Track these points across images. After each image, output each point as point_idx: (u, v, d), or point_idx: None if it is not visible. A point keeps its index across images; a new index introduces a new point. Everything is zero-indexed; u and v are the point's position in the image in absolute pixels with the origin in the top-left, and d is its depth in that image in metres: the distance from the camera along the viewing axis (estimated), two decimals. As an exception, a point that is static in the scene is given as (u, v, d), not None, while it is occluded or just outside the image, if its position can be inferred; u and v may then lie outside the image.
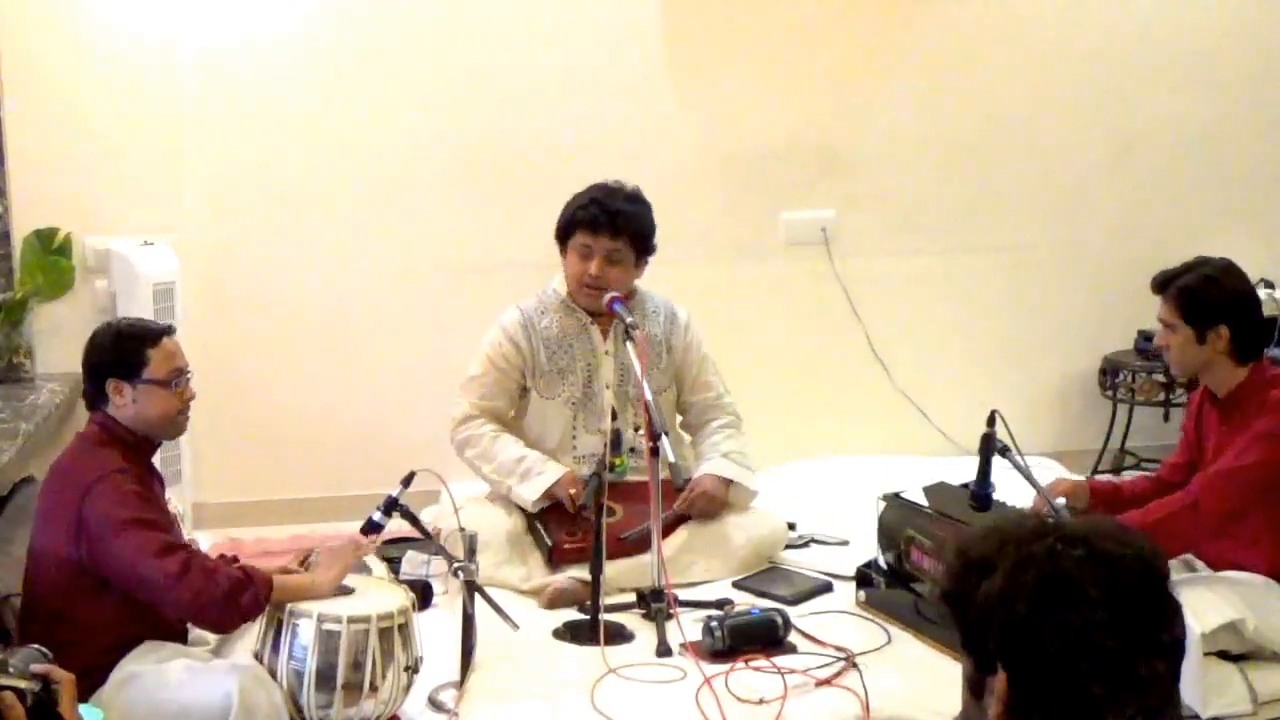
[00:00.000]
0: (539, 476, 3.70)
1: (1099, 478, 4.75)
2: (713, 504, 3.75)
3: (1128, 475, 4.58)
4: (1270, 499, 3.25)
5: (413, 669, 2.89)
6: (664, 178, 4.68)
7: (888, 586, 3.44)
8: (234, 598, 2.83)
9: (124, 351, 2.99)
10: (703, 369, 3.97)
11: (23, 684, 1.93)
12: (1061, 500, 3.38)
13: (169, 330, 3.09)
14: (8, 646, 2.20)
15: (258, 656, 2.87)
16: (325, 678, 2.78)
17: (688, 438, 4.02)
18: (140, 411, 2.99)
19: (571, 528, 3.66)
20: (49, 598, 2.93)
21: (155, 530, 2.88)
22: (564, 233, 3.82)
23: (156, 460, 3.21)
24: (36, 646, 2.06)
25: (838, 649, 3.19)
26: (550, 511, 3.72)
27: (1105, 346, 5.10)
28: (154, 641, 2.92)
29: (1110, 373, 5.02)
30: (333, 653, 2.78)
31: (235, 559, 3.25)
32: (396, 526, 3.23)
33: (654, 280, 4.05)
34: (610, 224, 3.75)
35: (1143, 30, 5.12)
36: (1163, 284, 3.39)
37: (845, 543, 3.95)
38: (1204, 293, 3.33)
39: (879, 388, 4.99)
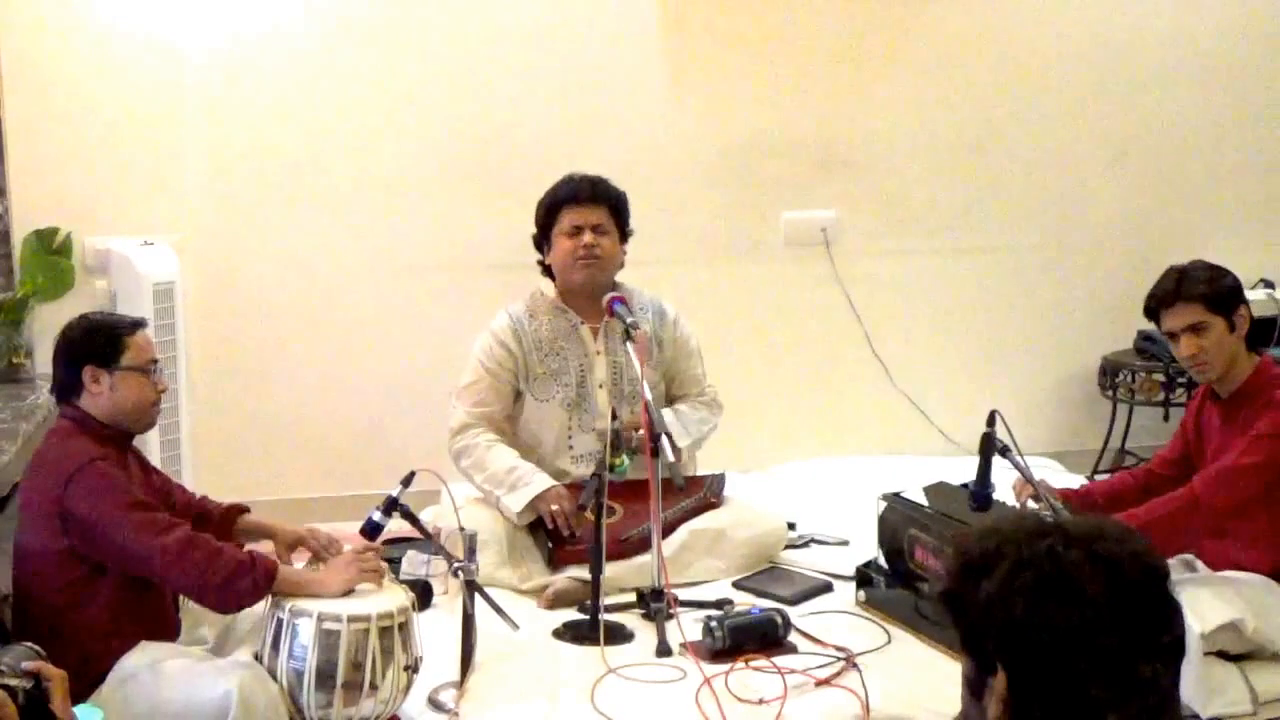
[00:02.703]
0: (525, 488, 3.69)
1: (1098, 477, 4.75)
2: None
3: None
4: (1271, 498, 3.25)
5: (413, 669, 2.89)
6: (664, 177, 4.69)
7: (888, 586, 3.44)
8: (233, 581, 2.83)
9: (101, 339, 3.00)
10: (690, 364, 3.98)
11: (14, 682, 1.93)
12: (1037, 488, 3.36)
13: (142, 323, 3.12)
14: (4, 645, 2.20)
15: (258, 656, 2.87)
16: (325, 677, 2.78)
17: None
18: (116, 400, 2.99)
19: (570, 532, 3.65)
20: (39, 593, 2.93)
21: (149, 510, 2.89)
22: (547, 221, 3.86)
23: (156, 464, 3.21)
24: (29, 644, 2.06)
25: (838, 649, 3.19)
26: (546, 518, 3.72)
27: (1105, 346, 5.10)
28: (152, 641, 2.92)
29: (1110, 373, 5.02)
30: (333, 652, 2.78)
31: (245, 509, 3.29)
32: (396, 526, 3.23)
33: (654, 280, 4.06)
34: (592, 191, 3.84)
35: (1143, 30, 5.13)
36: (1175, 291, 3.34)
37: (845, 543, 3.95)
38: (1219, 280, 3.34)
39: (879, 388, 5.00)
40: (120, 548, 2.86)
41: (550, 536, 3.67)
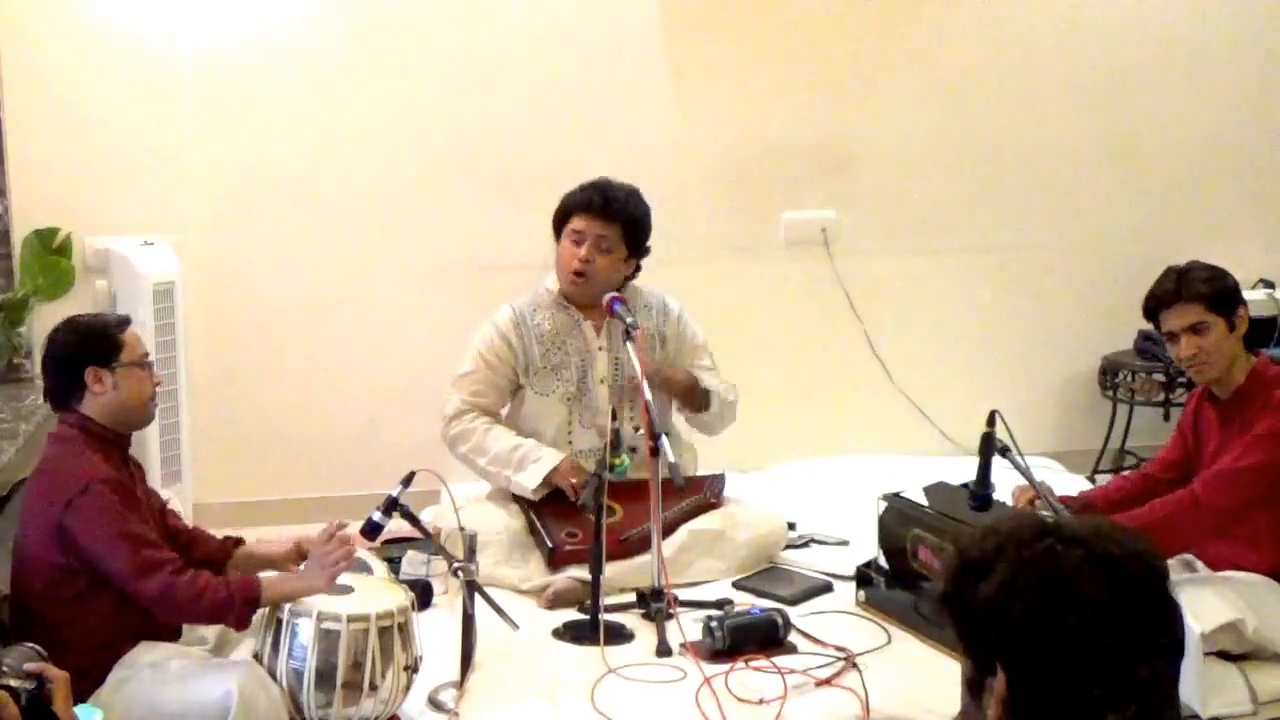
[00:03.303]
0: (536, 464, 3.70)
1: (1099, 478, 4.75)
2: (673, 379, 3.78)
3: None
4: (1272, 499, 3.24)
5: (412, 669, 2.90)
6: (664, 178, 4.68)
7: (888, 586, 3.44)
8: (216, 618, 2.90)
9: (98, 339, 2.99)
10: (697, 357, 3.98)
11: (16, 683, 1.93)
12: (1038, 490, 3.36)
13: (128, 320, 3.12)
14: (4, 645, 2.21)
15: (257, 656, 2.87)
16: (325, 677, 2.79)
17: (684, 436, 4.03)
18: (120, 397, 2.98)
19: (572, 528, 3.66)
20: (39, 598, 2.93)
21: (139, 546, 2.87)
22: (560, 220, 3.86)
23: (156, 464, 3.21)
24: (31, 645, 2.06)
25: (838, 649, 3.19)
26: (550, 511, 3.72)
27: (1105, 346, 5.09)
28: (152, 642, 2.92)
29: (1110, 373, 5.02)
30: (332, 652, 2.78)
31: (240, 541, 3.27)
32: (396, 526, 3.23)
33: (654, 280, 4.05)
34: (604, 208, 3.79)
35: (1144, 31, 5.13)
36: (1176, 291, 3.33)
37: (845, 543, 3.95)
38: (1219, 280, 3.33)
39: (879, 388, 4.99)
40: (112, 575, 2.87)
41: (549, 535, 3.68)
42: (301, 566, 3.12)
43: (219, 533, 3.34)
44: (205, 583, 2.88)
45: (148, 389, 3.05)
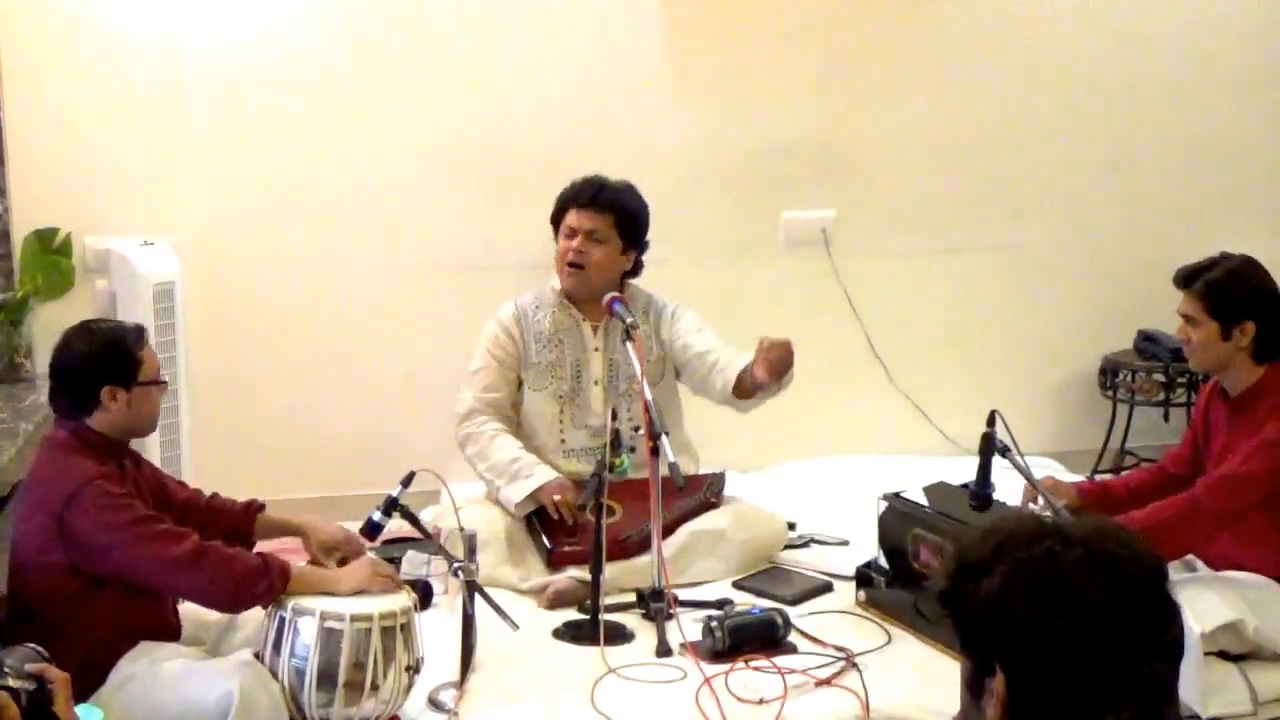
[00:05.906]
0: (526, 480, 3.71)
1: (1099, 477, 4.75)
2: (785, 352, 3.68)
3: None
4: (1274, 503, 3.22)
5: (414, 669, 2.90)
6: (664, 178, 4.68)
7: (888, 586, 3.44)
8: (249, 585, 2.84)
9: (119, 356, 2.94)
10: (705, 335, 3.93)
11: (16, 683, 1.93)
12: (1062, 502, 3.36)
13: (144, 330, 3.08)
14: (4, 645, 2.20)
15: (258, 655, 2.87)
16: (327, 676, 2.78)
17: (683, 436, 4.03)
18: (132, 415, 2.96)
19: (571, 529, 3.66)
20: (38, 601, 2.92)
21: (157, 523, 2.88)
22: (556, 217, 3.91)
23: (156, 464, 3.20)
24: (32, 645, 2.05)
25: (838, 649, 3.19)
26: (545, 513, 3.72)
27: (1105, 346, 5.10)
28: (151, 642, 2.92)
29: (1110, 373, 5.02)
30: (335, 651, 2.78)
31: (263, 506, 3.27)
32: (396, 526, 3.24)
33: (654, 280, 4.06)
34: (593, 199, 3.84)
35: (1144, 31, 5.12)
36: (1188, 278, 3.33)
37: (845, 543, 3.96)
38: (1232, 287, 3.29)
39: (879, 388, 4.99)
40: (127, 564, 2.85)
41: (548, 536, 3.68)
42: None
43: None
44: (237, 550, 2.91)
45: (158, 407, 3.05)
